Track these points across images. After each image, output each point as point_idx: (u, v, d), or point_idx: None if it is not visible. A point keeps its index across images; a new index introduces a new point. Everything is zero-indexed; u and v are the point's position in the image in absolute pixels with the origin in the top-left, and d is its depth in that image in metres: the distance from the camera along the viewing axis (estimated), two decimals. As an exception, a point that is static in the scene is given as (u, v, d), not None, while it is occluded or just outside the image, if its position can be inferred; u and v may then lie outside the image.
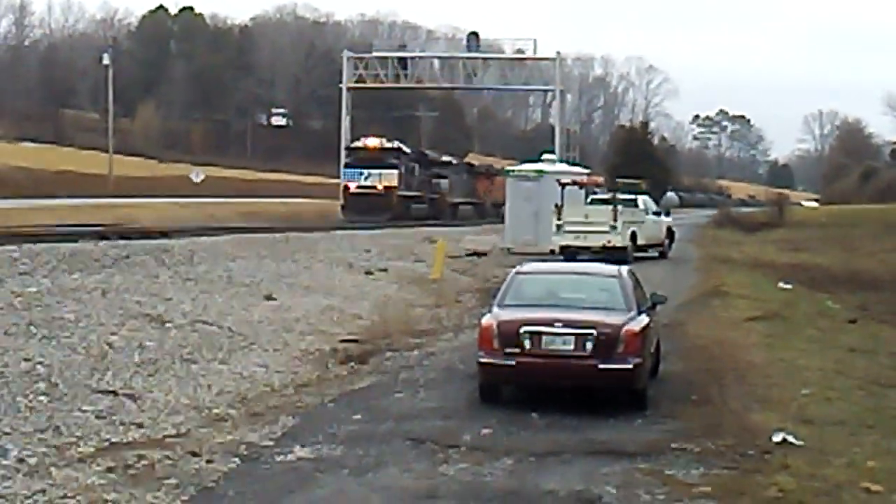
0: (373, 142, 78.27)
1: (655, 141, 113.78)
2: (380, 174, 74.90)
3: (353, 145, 79.85)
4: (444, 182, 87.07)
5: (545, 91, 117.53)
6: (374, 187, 74.82)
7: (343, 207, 75.74)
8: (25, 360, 15.63)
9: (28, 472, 11.67)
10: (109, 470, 11.99)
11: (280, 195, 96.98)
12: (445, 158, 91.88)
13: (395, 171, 75.70)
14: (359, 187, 75.11)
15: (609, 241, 41.12)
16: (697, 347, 21.16)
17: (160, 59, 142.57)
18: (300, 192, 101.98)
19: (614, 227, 41.41)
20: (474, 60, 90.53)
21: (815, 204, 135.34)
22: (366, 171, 75.17)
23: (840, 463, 12.88)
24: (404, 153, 79.14)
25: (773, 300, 30.79)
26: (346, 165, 77.87)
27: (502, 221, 78.19)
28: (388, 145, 77.92)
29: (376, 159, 75.71)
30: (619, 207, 42.07)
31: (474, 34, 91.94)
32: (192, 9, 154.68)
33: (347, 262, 34.52)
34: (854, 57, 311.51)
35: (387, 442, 13.54)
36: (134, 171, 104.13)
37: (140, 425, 14.15)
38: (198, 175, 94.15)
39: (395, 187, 75.45)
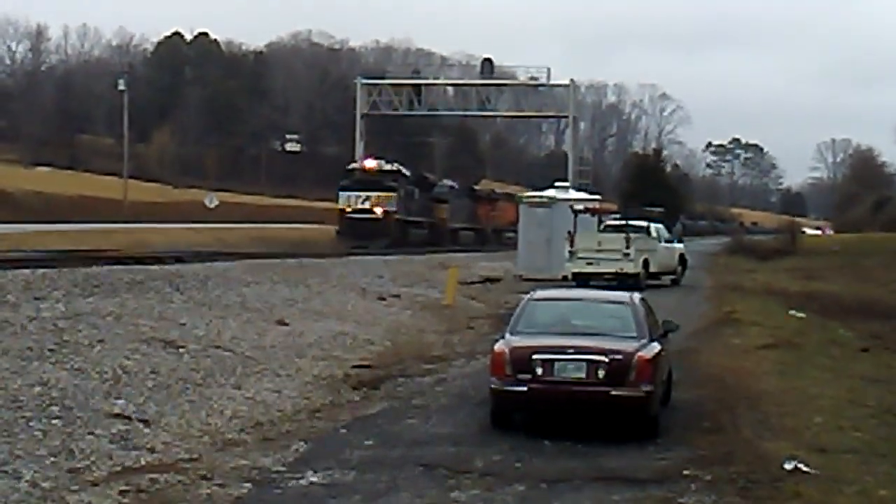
0: (370, 163, 75.14)
1: (668, 168, 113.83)
2: (378, 197, 71.63)
3: (350, 167, 76.74)
4: (444, 206, 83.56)
5: (558, 118, 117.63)
6: (372, 211, 71.45)
7: (338, 232, 72.20)
8: (40, 384, 15.69)
9: (41, 496, 11.72)
10: (122, 494, 12.04)
11: (293, 221, 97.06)
12: (446, 182, 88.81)
13: (394, 195, 72.28)
14: (355, 211, 71.57)
15: (622, 269, 41.16)
16: (709, 375, 21.15)
17: (175, 84, 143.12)
18: (313, 217, 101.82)
19: (627, 255, 41.45)
20: (488, 87, 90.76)
21: (818, 232, 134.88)
22: (363, 194, 71.78)
23: (852, 491, 12.88)
24: (403, 175, 75.65)
25: (786, 328, 30.74)
26: (342, 188, 74.00)
27: (504, 247, 78.13)
28: (387, 167, 74.56)
29: (374, 181, 72.27)
30: (632, 235, 42.10)
31: (488, 61, 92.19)
32: (207, 35, 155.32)
33: (360, 288, 34.59)
34: (867, 85, 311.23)
35: (399, 468, 13.57)
36: (148, 197, 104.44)
37: (153, 450, 14.20)
38: (212, 200, 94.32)
39: (393, 211, 72.06)
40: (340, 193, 73.82)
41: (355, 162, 78.83)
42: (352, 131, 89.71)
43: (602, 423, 15.75)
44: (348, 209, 71.96)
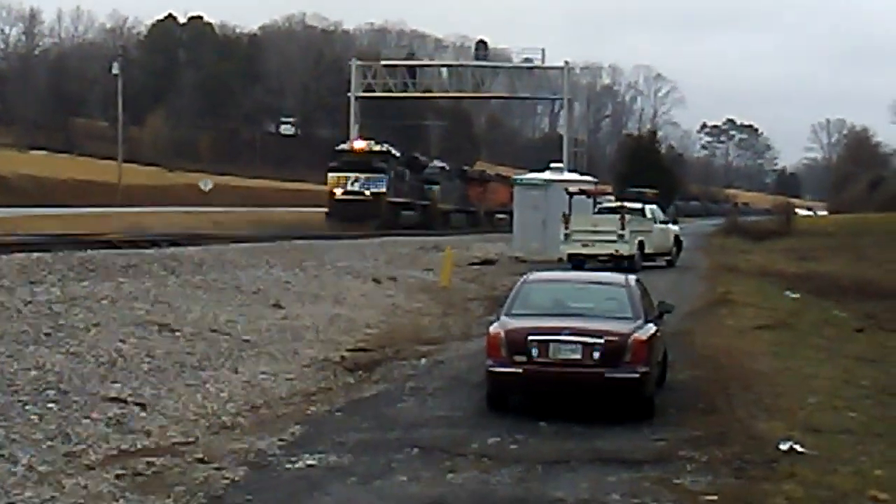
0: (360, 144, 74.11)
1: (663, 150, 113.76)
2: (367, 179, 70.42)
3: (339, 148, 75.14)
4: (435, 188, 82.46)
5: (553, 100, 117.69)
6: (362, 193, 70.30)
7: (328, 214, 70.92)
8: (35, 368, 15.69)
9: (38, 480, 11.73)
10: (119, 477, 12.04)
11: (288, 203, 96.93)
12: (437, 163, 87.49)
13: (384, 176, 71.09)
14: (345, 193, 70.41)
15: (617, 250, 41.19)
16: (704, 356, 21.19)
17: (169, 67, 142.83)
18: (308, 200, 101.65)
19: (622, 236, 41.47)
20: (482, 69, 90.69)
21: (809, 213, 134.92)
22: (352, 176, 70.64)
23: (847, 471, 12.91)
24: (393, 156, 74.28)
25: (780, 309, 30.80)
26: (331, 169, 72.59)
27: (496, 229, 77.77)
28: (377, 148, 73.19)
29: (364, 163, 71.03)
30: (627, 216, 42.12)
31: (482, 43, 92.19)
32: (200, 17, 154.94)
33: (356, 271, 34.59)
34: (861, 65, 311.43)
35: (394, 450, 13.57)
36: (143, 180, 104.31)
37: (149, 433, 14.21)
38: (206, 184, 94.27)
39: (383, 193, 70.91)
40: (329, 175, 72.61)
41: (345, 143, 77.55)
42: (346, 113, 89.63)
43: (598, 405, 15.77)
44: (337, 191, 70.84)
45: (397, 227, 67.80)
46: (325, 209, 71.94)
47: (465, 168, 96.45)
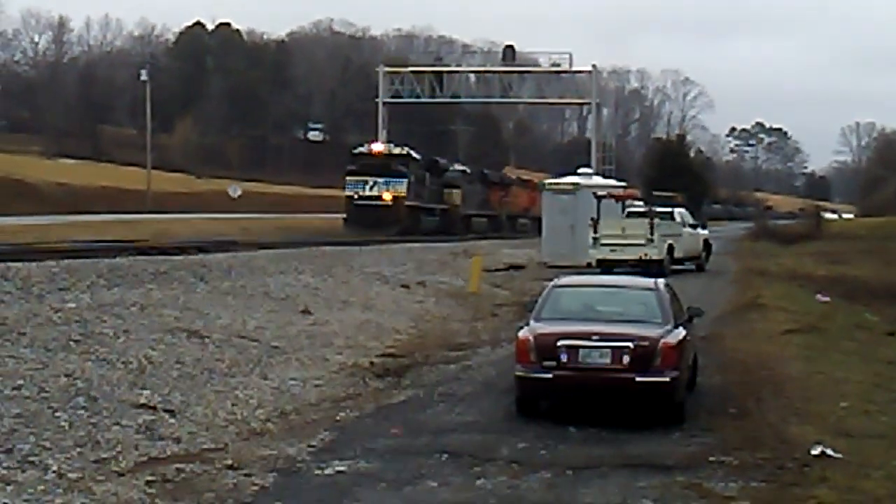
0: (378, 147, 72.02)
1: (692, 154, 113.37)
2: (387, 183, 68.38)
3: (356, 151, 72.96)
4: (456, 192, 79.96)
5: (581, 104, 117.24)
6: (381, 198, 68.06)
7: (345, 220, 68.77)
8: (65, 375, 15.73)
9: (68, 487, 11.75)
10: (149, 484, 12.06)
11: (317, 209, 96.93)
12: (458, 167, 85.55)
13: (404, 180, 68.85)
14: (363, 198, 68.29)
15: (646, 254, 41.04)
16: (734, 360, 21.09)
17: (197, 74, 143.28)
18: (337, 206, 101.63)
19: (651, 241, 41.31)
20: (510, 74, 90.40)
21: (834, 216, 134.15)
22: (371, 180, 68.54)
23: (879, 476, 12.82)
24: (413, 159, 71.84)
25: (811, 313, 30.64)
26: (349, 173, 70.33)
27: (519, 234, 77.06)
28: (396, 151, 70.96)
29: (383, 167, 68.87)
30: (656, 220, 41.97)
31: (510, 48, 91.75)
32: (228, 24, 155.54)
33: (384, 277, 34.58)
34: (891, 68, 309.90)
35: (424, 456, 13.56)
36: (171, 187, 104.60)
37: (178, 439, 14.23)
38: (235, 190, 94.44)
39: (403, 198, 68.54)
40: (347, 179, 70.58)
41: (363, 146, 75.36)
42: (374, 119, 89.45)
43: (627, 410, 15.72)
44: (356, 196, 68.96)
45: (417, 233, 66.21)
46: (343, 214, 70.26)
47: (487, 172, 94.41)
